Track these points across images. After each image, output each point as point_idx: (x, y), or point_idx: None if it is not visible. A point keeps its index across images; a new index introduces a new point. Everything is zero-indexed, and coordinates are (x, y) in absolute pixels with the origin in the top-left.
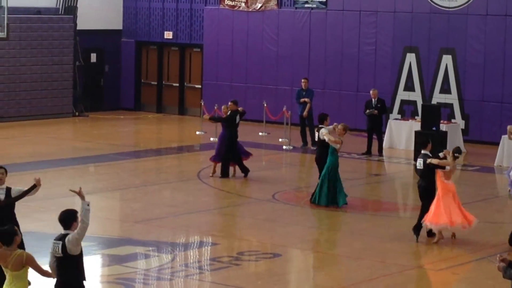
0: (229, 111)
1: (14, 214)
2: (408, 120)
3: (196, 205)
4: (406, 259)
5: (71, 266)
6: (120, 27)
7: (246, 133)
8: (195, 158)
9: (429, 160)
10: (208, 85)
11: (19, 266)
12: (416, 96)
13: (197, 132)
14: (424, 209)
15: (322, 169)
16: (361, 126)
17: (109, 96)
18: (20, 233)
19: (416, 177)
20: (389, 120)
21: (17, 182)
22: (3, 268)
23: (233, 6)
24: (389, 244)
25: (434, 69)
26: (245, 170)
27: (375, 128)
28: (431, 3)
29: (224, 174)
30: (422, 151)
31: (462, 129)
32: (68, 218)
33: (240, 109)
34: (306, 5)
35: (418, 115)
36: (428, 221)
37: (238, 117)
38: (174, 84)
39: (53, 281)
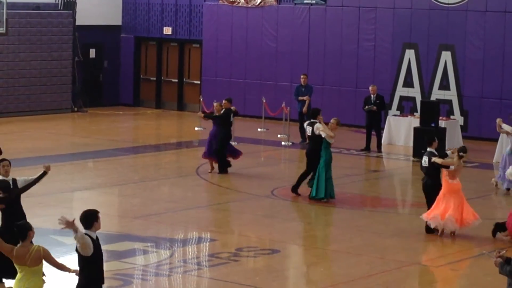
0: (223, 109)
1: (21, 206)
2: (407, 116)
3: (195, 201)
4: (405, 255)
5: (83, 267)
6: (119, 23)
7: (245, 129)
8: (194, 154)
9: (433, 159)
10: (207, 81)
11: (37, 261)
12: (415, 92)
13: (196, 128)
14: (430, 206)
15: (312, 163)
16: (360, 122)
17: (108, 91)
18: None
19: (415, 173)
20: (388, 116)
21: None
22: (16, 266)
23: (232, 2)
24: (388, 240)
25: (433, 65)
26: (223, 169)
27: (374, 124)
28: None
29: (223, 170)
30: (428, 149)
31: (461, 126)
32: (89, 219)
33: (233, 108)
34: (305, 1)
35: (417, 112)
36: (425, 217)
37: (232, 116)
38: (173, 80)
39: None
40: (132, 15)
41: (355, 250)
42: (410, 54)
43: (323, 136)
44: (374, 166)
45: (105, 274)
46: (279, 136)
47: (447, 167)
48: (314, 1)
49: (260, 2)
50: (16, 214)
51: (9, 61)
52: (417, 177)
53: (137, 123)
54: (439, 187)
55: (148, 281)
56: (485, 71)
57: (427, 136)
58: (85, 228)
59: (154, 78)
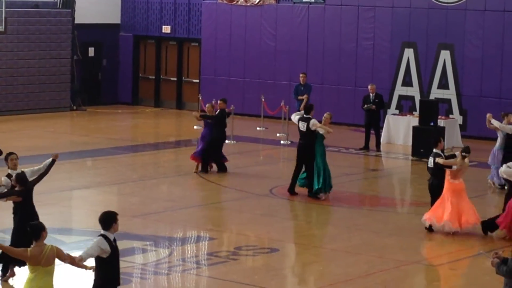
0: (218, 110)
1: (33, 205)
2: (406, 115)
3: (194, 199)
4: (404, 254)
5: (100, 267)
6: (118, 21)
7: (243, 127)
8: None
9: (436, 160)
10: (206, 80)
11: (51, 261)
12: (414, 91)
13: (195, 127)
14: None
15: (304, 158)
16: (359, 121)
17: (106, 90)
18: None
19: (414, 172)
20: (387, 115)
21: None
22: (29, 267)
23: (231, 1)
24: (387, 239)
25: (432, 64)
26: (223, 168)
27: (373, 123)
28: None
29: (205, 169)
30: (434, 150)
31: (460, 125)
32: (108, 220)
33: (231, 108)
34: (304, 0)
35: (416, 110)
36: (424, 217)
37: (226, 117)
38: (172, 79)
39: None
40: (131, 14)
41: (353, 249)
42: (409, 53)
43: (321, 132)
44: (373, 165)
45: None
46: (278, 135)
47: (449, 167)
48: (313, 0)
49: (259, 1)
50: (29, 214)
51: (8, 60)
52: (416, 176)
53: (136, 122)
54: (443, 187)
55: (147, 280)
56: (484, 70)
57: (433, 137)
58: (104, 229)
59: (153, 77)
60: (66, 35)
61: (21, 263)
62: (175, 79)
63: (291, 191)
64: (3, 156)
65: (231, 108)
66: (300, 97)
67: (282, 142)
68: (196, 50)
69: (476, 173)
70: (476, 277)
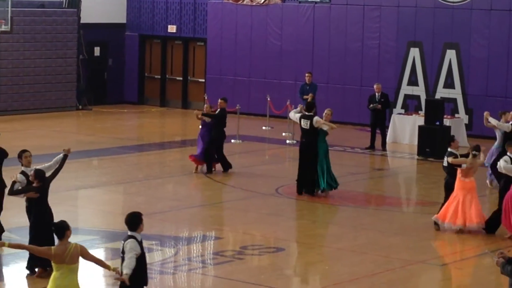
0: (219, 109)
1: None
2: (411, 114)
3: (199, 199)
4: (410, 254)
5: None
6: (124, 21)
7: (249, 127)
8: None
9: (448, 158)
10: (212, 79)
11: (75, 259)
12: (419, 90)
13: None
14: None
15: (308, 157)
16: (364, 120)
17: (112, 89)
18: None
19: (420, 172)
20: (393, 115)
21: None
22: (54, 265)
23: (237, 0)
24: (393, 238)
25: (438, 63)
26: (227, 166)
27: (379, 122)
28: None
29: (209, 170)
30: (448, 149)
31: (465, 124)
32: (134, 221)
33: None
34: None
35: (421, 110)
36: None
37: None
38: (178, 78)
39: None
40: (137, 13)
41: (359, 249)
42: (414, 52)
43: (324, 128)
44: (379, 165)
45: (110, 273)
46: (283, 134)
47: (459, 165)
48: None
49: (265, 0)
50: (44, 210)
51: (14, 59)
52: (422, 175)
53: (141, 121)
54: None
55: (153, 279)
56: (489, 70)
57: (448, 137)
58: (130, 230)
59: (159, 76)
60: (72, 34)
61: (47, 265)
62: (181, 78)
63: (300, 192)
64: (14, 156)
65: (237, 107)
66: (305, 97)
67: (287, 141)
68: (202, 49)
69: (479, 172)
70: (482, 277)
